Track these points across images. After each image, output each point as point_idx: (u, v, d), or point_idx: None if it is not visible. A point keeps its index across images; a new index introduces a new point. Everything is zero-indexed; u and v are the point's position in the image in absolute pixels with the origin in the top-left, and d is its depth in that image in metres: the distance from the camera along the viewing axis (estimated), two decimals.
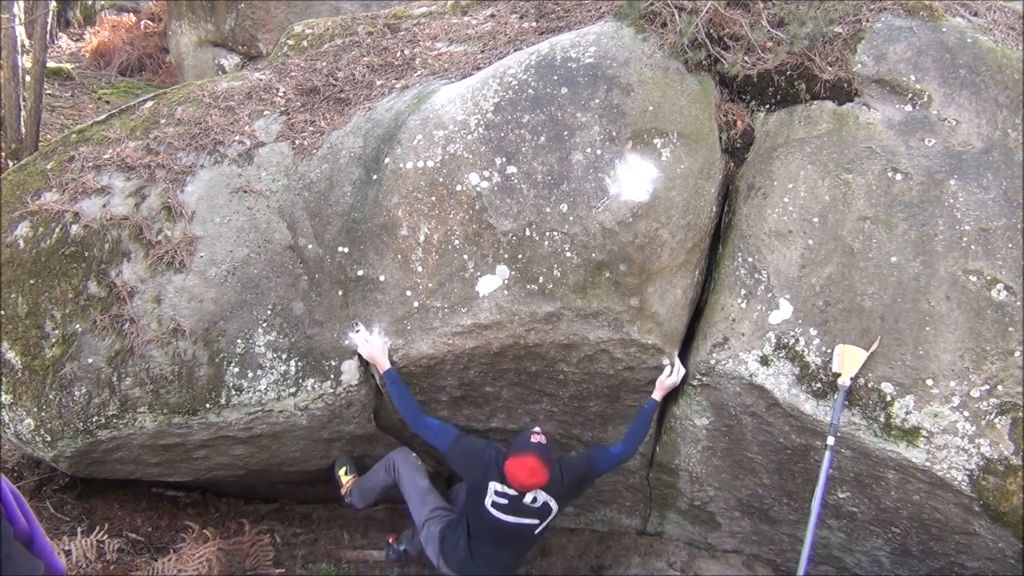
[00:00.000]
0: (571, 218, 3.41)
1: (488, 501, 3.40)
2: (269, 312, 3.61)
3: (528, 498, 3.37)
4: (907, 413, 3.25)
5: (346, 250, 3.62)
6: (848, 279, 3.36)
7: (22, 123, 6.68)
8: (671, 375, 3.56)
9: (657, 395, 3.59)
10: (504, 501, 3.38)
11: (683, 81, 3.64)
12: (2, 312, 3.57)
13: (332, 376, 3.66)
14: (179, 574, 3.72)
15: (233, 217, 3.69)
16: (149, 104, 4.22)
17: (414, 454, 3.88)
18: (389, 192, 3.56)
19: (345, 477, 3.96)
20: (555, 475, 3.37)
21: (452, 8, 4.93)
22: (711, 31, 3.74)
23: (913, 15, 3.81)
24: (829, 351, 3.32)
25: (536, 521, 3.43)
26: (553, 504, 3.43)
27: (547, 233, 3.43)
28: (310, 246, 3.68)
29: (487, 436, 4.06)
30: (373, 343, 3.54)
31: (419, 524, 3.70)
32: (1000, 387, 3.17)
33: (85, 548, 3.70)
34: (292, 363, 3.62)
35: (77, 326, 3.53)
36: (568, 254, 3.44)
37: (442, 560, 3.59)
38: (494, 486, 3.38)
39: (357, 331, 3.59)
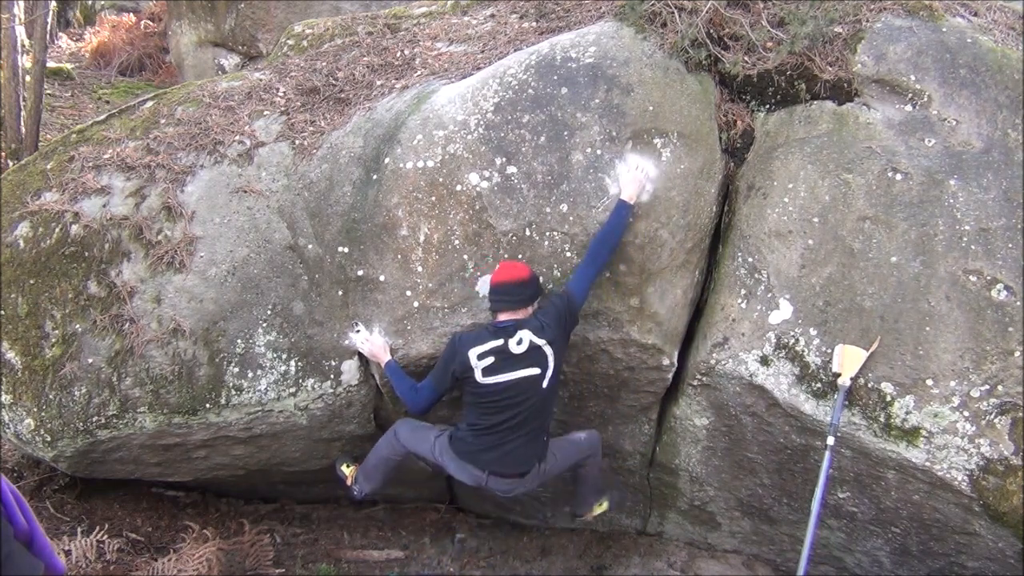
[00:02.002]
0: (571, 218, 3.41)
1: (478, 374, 3.18)
2: (269, 312, 3.61)
3: (513, 342, 3.16)
4: (907, 413, 3.25)
5: (346, 250, 3.62)
6: (848, 279, 3.36)
7: (22, 123, 6.68)
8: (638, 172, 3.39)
9: (626, 195, 3.34)
10: (491, 359, 3.17)
11: (683, 81, 3.64)
12: (2, 312, 3.57)
13: (332, 376, 3.66)
14: (179, 574, 3.72)
15: (233, 217, 3.69)
16: (149, 104, 4.22)
17: (415, 421, 3.68)
18: (389, 192, 3.56)
19: (348, 469, 3.84)
20: (532, 320, 3.21)
21: (452, 8, 4.93)
22: (711, 31, 3.74)
23: (913, 15, 3.81)
24: (829, 351, 3.32)
25: (536, 371, 3.20)
26: (546, 347, 3.19)
27: (547, 233, 3.43)
28: (310, 246, 3.68)
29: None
30: (373, 341, 3.53)
31: (430, 451, 3.47)
32: (1000, 387, 3.17)
33: (85, 548, 3.70)
34: (292, 363, 3.62)
35: (77, 326, 3.53)
36: (568, 254, 3.44)
37: (470, 466, 3.35)
38: (473, 353, 3.17)
39: (357, 331, 3.59)
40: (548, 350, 3.22)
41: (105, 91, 9.06)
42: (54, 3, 9.39)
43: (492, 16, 4.65)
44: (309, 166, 3.77)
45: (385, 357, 3.49)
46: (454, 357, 3.23)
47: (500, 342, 3.18)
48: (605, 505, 3.85)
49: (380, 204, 3.57)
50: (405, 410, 3.82)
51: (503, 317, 3.25)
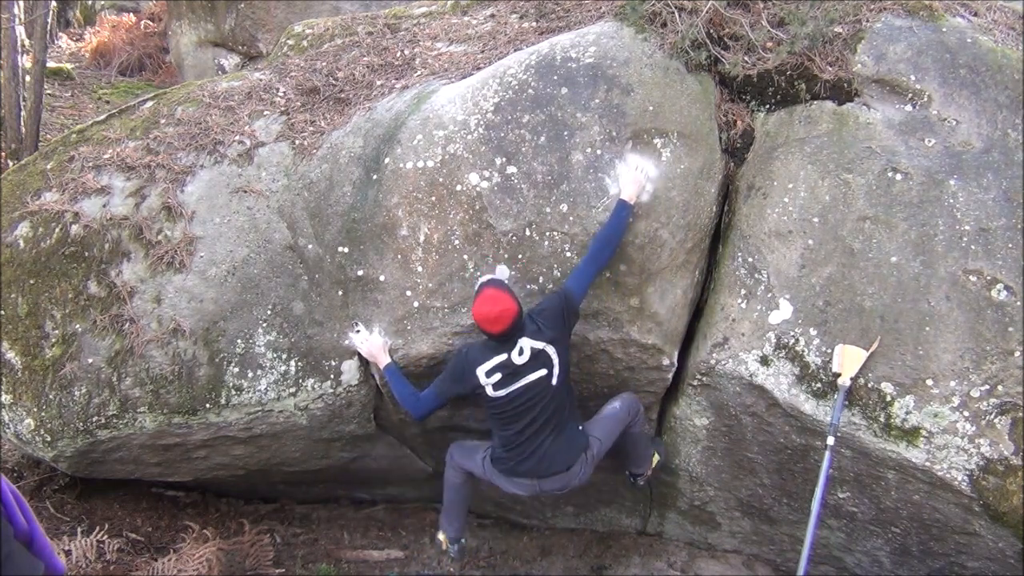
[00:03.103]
0: (571, 218, 3.41)
1: (489, 390, 3.26)
2: (269, 312, 3.61)
3: (515, 353, 3.21)
4: (907, 413, 3.25)
5: (346, 250, 3.62)
6: (848, 279, 3.36)
7: (22, 123, 6.67)
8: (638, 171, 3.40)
9: (626, 195, 3.35)
10: (499, 375, 3.23)
11: (683, 81, 3.64)
12: (2, 312, 3.57)
13: (332, 376, 3.66)
14: (179, 574, 3.73)
15: (233, 217, 3.69)
16: (149, 104, 4.22)
17: (465, 441, 3.77)
18: (389, 192, 3.56)
19: (441, 536, 3.86)
20: (527, 319, 3.24)
21: (452, 8, 4.93)
22: (711, 31, 3.74)
23: (913, 15, 3.81)
24: (829, 351, 3.32)
25: (543, 372, 3.25)
26: (548, 348, 3.24)
27: (547, 233, 3.43)
28: (310, 246, 3.68)
29: (487, 436, 4.06)
30: (372, 341, 3.53)
31: (482, 472, 3.55)
32: (1000, 387, 3.17)
33: (85, 548, 3.70)
34: (292, 363, 3.62)
35: (77, 326, 3.53)
36: (568, 254, 3.44)
37: (517, 479, 3.42)
38: (482, 371, 3.24)
39: (357, 331, 3.59)
40: (550, 350, 3.24)
41: (105, 91, 9.06)
42: (54, 3, 9.39)
43: (492, 16, 4.65)
44: (309, 166, 3.77)
45: (384, 360, 3.49)
46: (463, 376, 3.29)
47: (504, 357, 3.24)
48: (658, 457, 3.86)
49: (380, 204, 3.57)
50: (404, 412, 3.82)
51: None
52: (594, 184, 3.41)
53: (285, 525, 4.54)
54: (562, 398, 3.35)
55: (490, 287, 3.22)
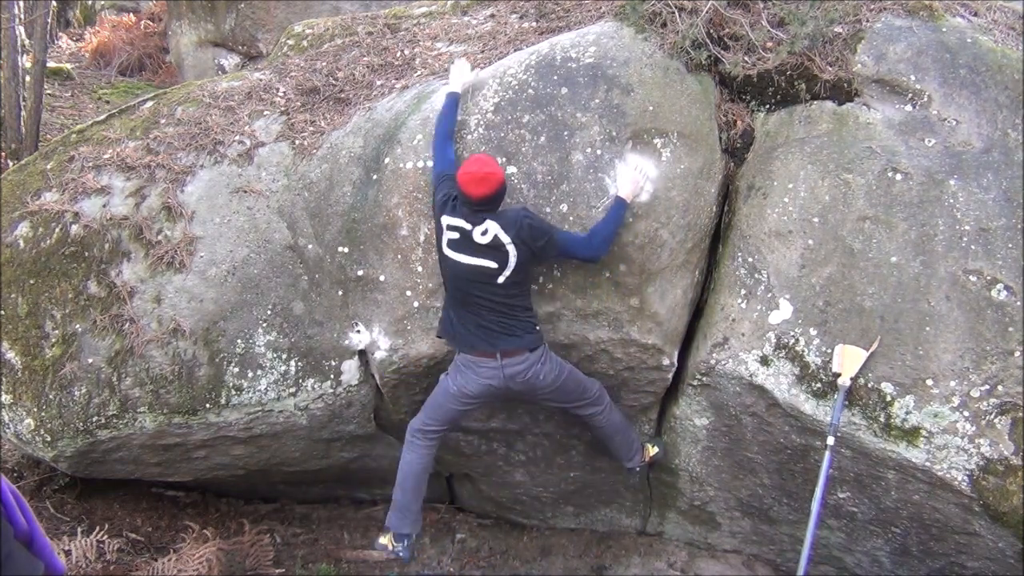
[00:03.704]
0: (571, 218, 3.40)
1: (444, 241, 3.21)
2: (269, 312, 3.61)
3: (478, 232, 3.14)
4: (907, 413, 3.25)
5: (346, 250, 3.62)
6: (848, 279, 3.36)
7: (22, 123, 6.67)
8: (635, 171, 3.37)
9: (622, 193, 3.33)
10: (456, 235, 3.18)
11: (683, 81, 3.64)
12: (2, 312, 3.57)
13: (332, 376, 3.66)
14: (179, 574, 3.72)
15: (233, 217, 3.69)
16: (149, 104, 4.22)
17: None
18: (389, 192, 3.56)
19: (384, 539, 3.62)
20: (508, 212, 3.19)
21: (452, 8, 4.93)
22: (711, 31, 3.74)
23: (913, 15, 3.81)
24: (829, 351, 3.32)
25: (494, 265, 3.16)
26: (509, 245, 3.14)
27: None
28: (310, 246, 3.68)
29: (487, 436, 4.07)
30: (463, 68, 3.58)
31: (450, 389, 3.40)
32: (1000, 387, 3.17)
33: (85, 548, 3.70)
34: (292, 363, 3.62)
35: (77, 326, 3.53)
36: None
37: (471, 354, 3.30)
38: (446, 221, 3.19)
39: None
40: (511, 249, 3.16)
41: (105, 91, 9.06)
42: (54, 3, 9.39)
43: (492, 16, 4.65)
44: (309, 166, 3.77)
45: (456, 88, 3.52)
46: (441, 196, 3.23)
47: (468, 226, 3.17)
48: (655, 449, 3.83)
49: (380, 204, 3.57)
50: (404, 412, 3.83)
51: None
52: (594, 184, 3.41)
53: (285, 525, 4.54)
54: (506, 300, 3.24)
55: (480, 154, 3.23)
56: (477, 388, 3.34)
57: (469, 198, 3.13)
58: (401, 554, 3.60)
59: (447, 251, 3.23)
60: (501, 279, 3.20)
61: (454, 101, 3.47)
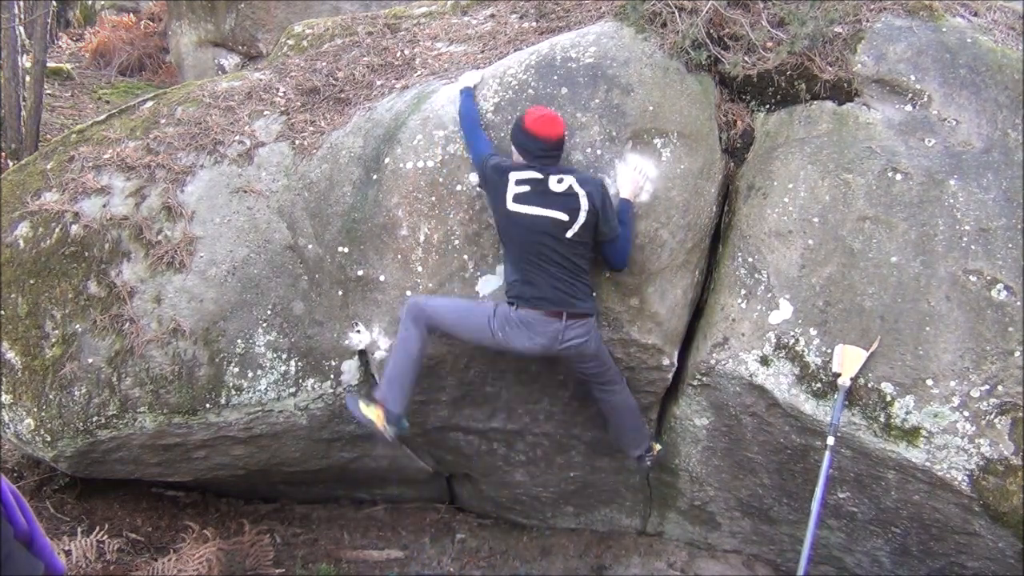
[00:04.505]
0: None
1: (510, 197, 3.11)
2: (269, 312, 3.61)
3: (554, 180, 3.13)
4: (907, 413, 3.25)
5: (346, 250, 3.62)
6: (848, 279, 3.36)
7: (22, 123, 6.67)
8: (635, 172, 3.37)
9: (624, 194, 3.36)
10: (526, 188, 3.11)
11: (683, 81, 3.64)
12: (2, 312, 3.57)
13: (332, 376, 3.66)
14: (179, 574, 3.72)
15: (233, 217, 3.69)
16: (149, 104, 4.22)
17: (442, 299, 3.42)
18: (389, 192, 3.56)
19: (370, 410, 3.34)
20: (588, 175, 3.20)
21: (452, 8, 4.93)
22: (711, 31, 3.74)
23: (913, 15, 3.81)
24: (829, 351, 3.32)
25: (564, 217, 3.11)
26: (583, 197, 3.11)
27: None
28: (310, 246, 3.68)
29: (487, 436, 4.07)
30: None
31: (489, 330, 3.21)
32: (1000, 387, 3.17)
33: (85, 548, 3.70)
34: (292, 363, 3.62)
35: (77, 326, 3.53)
36: None
37: (534, 311, 3.15)
38: (515, 176, 3.12)
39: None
40: (584, 202, 3.14)
41: (105, 91, 9.06)
42: (54, 3, 9.39)
43: (492, 16, 4.65)
44: (309, 166, 3.77)
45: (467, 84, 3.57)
46: (500, 168, 3.18)
47: (541, 176, 3.15)
48: (659, 446, 3.80)
49: (380, 204, 3.57)
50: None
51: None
52: None
53: (285, 525, 4.54)
54: (572, 257, 3.18)
55: (533, 106, 3.27)
56: (524, 346, 3.22)
57: (547, 141, 3.15)
58: (388, 436, 3.34)
59: (513, 206, 3.14)
60: (570, 233, 3.15)
61: (470, 95, 3.53)
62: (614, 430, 3.72)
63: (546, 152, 3.18)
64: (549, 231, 3.15)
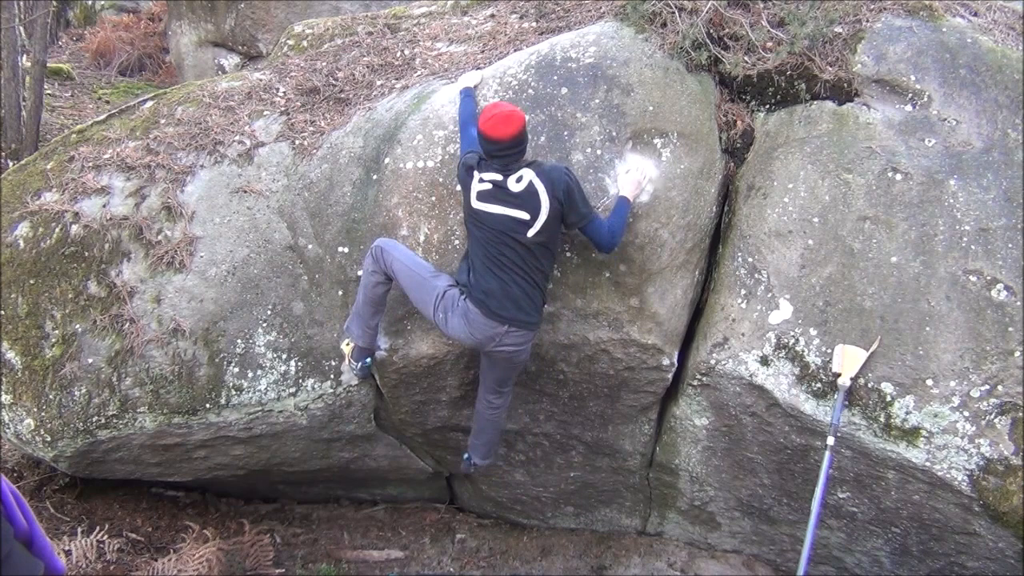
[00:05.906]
0: None
1: (473, 194, 3.13)
2: (269, 312, 3.61)
3: (513, 180, 3.08)
4: (907, 413, 3.25)
5: (346, 250, 3.62)
6: (848, 279, 3.36)
7: (22, 123, 6.67)
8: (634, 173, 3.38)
9: (624, 193, 3.33)
10: (488, 187, 3.10)
11: (683, 81, 3.64)
12: (2, 312, 3.57)
13: (332, 376, 3.66)
14: (179, 574, 3.72)
15: (233, 217, 3.69)
16: (149, 104, 4.22)
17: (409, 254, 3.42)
18: (389, 192, 3.56)
19: (345, 343, 3.52)
20: (549, 166, 3.14)
21: (452, 8, 4.93)
22: (711, 31, 3.74)
23: (913, 15, 3.81)
24: (829, 351, 3.32)
25: (525, 216, 3.08)
26: (543, 195, 3.06)
27: None
28: (310, 246, 3.68)
29: None
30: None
31: (432, 308, 3.24)
32: (1000, 387, 3.17)
33: (85, 548, 3.70)
34: (292, 363, 3.62)
35: (77, 326, 3.53)
36: (568, 254, 3.44)
37: (477, 312, 3.15)
38: (478, 175, 3.12)
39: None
40: (544, 200, 3.09)
41: (105, 91, 9.06)
42: (54, 3, 9.39)
43: (492, 16, 4.65)
44: (309, 166, 3.77)
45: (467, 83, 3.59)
46: (466, 165, 3.19)
47: (500, 177, 3.11)
48: (482, 463, 3.84)
49: (380, 204, 3.57)
50: (404, 412, 3.83)
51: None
52: (594, 184, 3.41)
53: (285, 525, 4.54)
54: (533, 265, 3.17)
55: (495, 101, 3.22)
56: (459, 336, 3.24)
57: (500, 141, 3.06)
58: (356, 373, 3.53)
59: (476, 203, 3.14)
60: (531, 232, 3.11)
61: (469, 95, 3.51)
62: (477, 432, 3.73)
63: (501, 152, 3.09)
64: (509, 231, 3.12)
